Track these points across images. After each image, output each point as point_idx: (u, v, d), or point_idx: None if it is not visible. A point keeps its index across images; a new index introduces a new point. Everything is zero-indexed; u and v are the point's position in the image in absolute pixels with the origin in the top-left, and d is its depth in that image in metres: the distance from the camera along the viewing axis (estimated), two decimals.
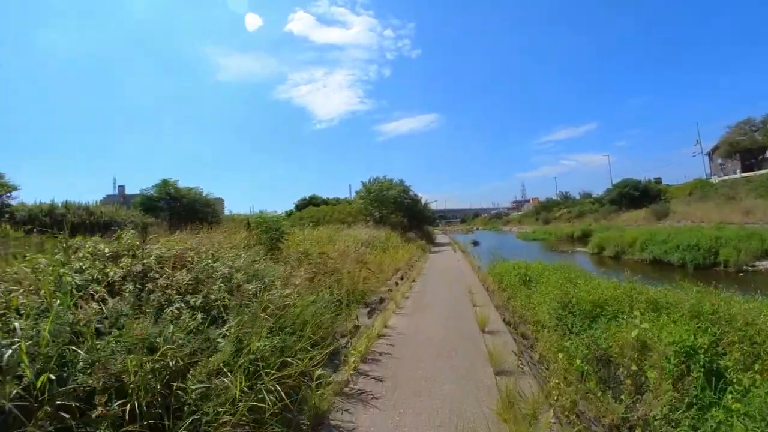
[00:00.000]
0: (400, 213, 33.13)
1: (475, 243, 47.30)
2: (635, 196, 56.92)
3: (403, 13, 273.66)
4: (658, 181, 70.15)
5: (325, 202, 54.78)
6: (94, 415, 2.95)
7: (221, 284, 5.64)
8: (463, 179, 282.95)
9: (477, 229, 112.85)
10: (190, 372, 3.72)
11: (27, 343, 2.99)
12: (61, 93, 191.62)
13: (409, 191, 38.09)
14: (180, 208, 30.66)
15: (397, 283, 12.99)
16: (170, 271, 6.20)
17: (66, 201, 24.51)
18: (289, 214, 51.33)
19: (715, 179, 58.10)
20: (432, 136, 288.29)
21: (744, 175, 51.99)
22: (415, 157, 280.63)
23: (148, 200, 30.98)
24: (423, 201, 43.08)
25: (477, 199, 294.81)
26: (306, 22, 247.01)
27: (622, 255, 27.77)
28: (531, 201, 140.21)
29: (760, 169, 54.55)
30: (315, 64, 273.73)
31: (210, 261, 6.78)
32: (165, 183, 31.92)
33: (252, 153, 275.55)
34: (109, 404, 3.04)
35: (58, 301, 3.72)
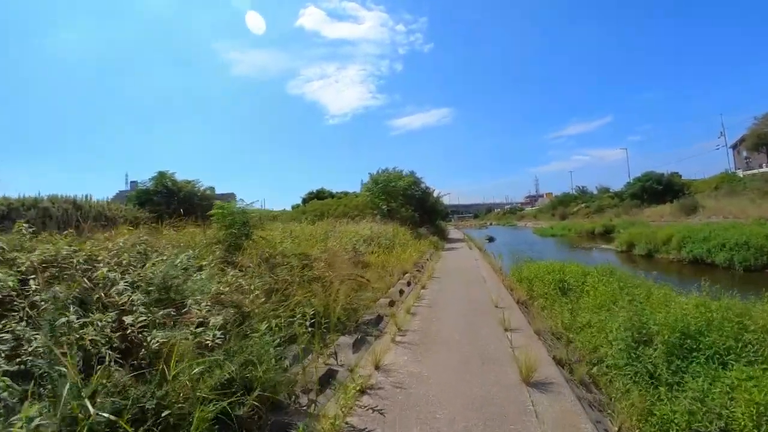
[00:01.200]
0: (410, 206, 30.54)
1: (491, 239, 44.80)
2: (658, 190, 54.05)
3: (415, 8, 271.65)
4: (677, 175, 66.90)
5: (332, 195, 52.38)
6: None
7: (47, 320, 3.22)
8: (475, 174, 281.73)
9: (490, 224, 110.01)
10: None
11: None
12: (74, 91, 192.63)
13: (421, 183, 35.42)
14: (176, 202, 28.93)
15: (402, 291, 10.48)
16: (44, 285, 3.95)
17: (52, 194, 22.76)
18: (296, 207, 49.15)
19: (740, 173, 55.19)
20: (444, 130, 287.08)
21: None
22: (428, 152, 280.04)
23: (144, 194, 29.13)
24: (435, 194, 40.38)
25: (489, 193, 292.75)
26: (317, 17, 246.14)
27: (655, 253, 25.02)
28: (545, 196, 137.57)
29: None
30: (327, 60, 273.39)
31: (114, 270, 4.43)
32: (162, 175, 30.00)
33: (265, 148, 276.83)
34: None
35: None
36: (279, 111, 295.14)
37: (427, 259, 17.52)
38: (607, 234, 43.13)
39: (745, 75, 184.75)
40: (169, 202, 27.37)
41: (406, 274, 12.51)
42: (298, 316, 5.21)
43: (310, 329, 5.13)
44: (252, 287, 5.25)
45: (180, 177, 31.13)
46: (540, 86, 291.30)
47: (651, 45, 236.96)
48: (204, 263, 5.82)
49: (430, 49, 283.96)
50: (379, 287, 10.12)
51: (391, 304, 8.78)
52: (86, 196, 26.49)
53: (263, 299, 5.27)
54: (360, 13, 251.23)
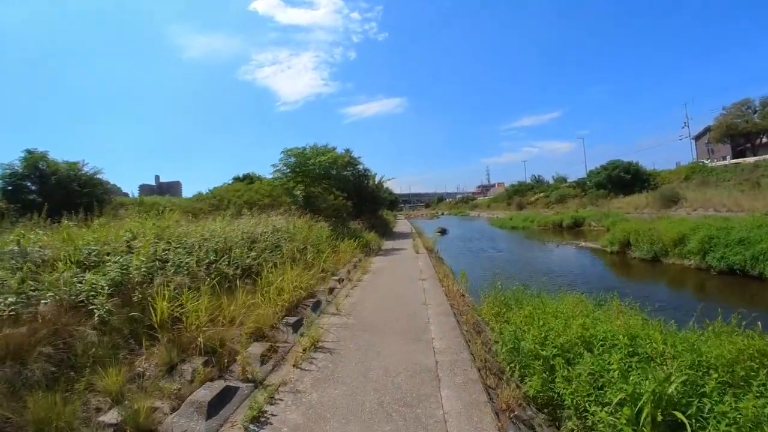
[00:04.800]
0: (341, 193, 22.97)
1: (443, 231, 38.44)
2: (626, 179, 48.91)
3: None
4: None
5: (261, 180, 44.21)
6: None
7: None
8: (427, 163, 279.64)
9: (442, 213, 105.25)
10: None
11: None
12: (17, 72, 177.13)
13: (357, 164, 27.86)
14: (52, 189, 22.02)
15: None
16: None
17: None
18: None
19: (707, 164, 51.41)
20: (397, 120, 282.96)
21: (739, 160, 45.22)
22: (380, 141, 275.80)
23: (12, 178, 22.18)
24: (377, 178, 32.71)
25: (441, 183, 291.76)
26: (271, 1, 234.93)
27: (663, 257, 18.58)
28: (497, 185, 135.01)
29: (754, 155, 48.36)
30: (279, 45, 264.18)
31: None
32: (32, 155, 22.77)
33: (215, 135, 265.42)
34: None
35: None
36: (230, 96, 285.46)
37: (339, 282, 10.03)
38: (576, 227, 37.37)
39: (699, 68, 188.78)
40: (42, 189, 22.15)
41: (239, 356, 4.91)
42: None
43: None
44: None
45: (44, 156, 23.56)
46: (494, 78, 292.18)
47: (605, 39, 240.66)
48: None
49: (385, 38, 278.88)
50: None
51: None
52: None
53: None
54: None
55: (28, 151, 22.76)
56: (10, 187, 21.59)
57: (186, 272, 6.66)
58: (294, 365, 4.91)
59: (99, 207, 13.19)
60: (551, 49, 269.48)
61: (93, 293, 5.24)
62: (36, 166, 22.41)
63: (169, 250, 7.08)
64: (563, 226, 38.95)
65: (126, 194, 65.37)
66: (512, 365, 5.10)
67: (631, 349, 4.45)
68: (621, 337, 4.58)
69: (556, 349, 4.79)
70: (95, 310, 4.99)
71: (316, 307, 7.62)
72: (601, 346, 4.61)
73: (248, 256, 8.31)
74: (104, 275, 5.64)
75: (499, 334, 6.15)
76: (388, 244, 21.67)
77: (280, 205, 20.46)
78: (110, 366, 4.35)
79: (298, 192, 20.05)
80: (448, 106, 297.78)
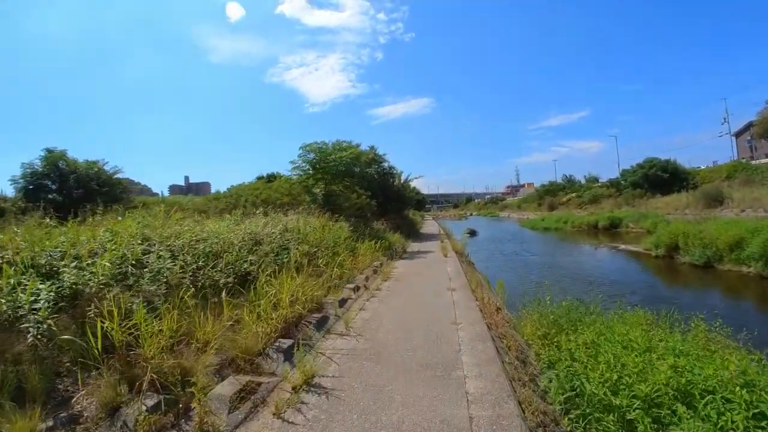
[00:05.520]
0: (364, 191, 21.74)
1: (472, 233, 36.97)
2: (663, 178, 46.35)
3: None
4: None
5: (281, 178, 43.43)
6: None
7: None
8: (455, 164, 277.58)
9: (471, 214, 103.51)
10: None
11: None
12: (51, 77, 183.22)
13: (382, 161, 26.62)
14: (71, 188, 21.83)
15: None
16: None
17: None
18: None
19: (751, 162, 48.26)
20: (425, 120, 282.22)
21: None
22: (408, 142, 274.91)
23: (33, 177, 21.90)
24: (403, 177, 31.19)
25: (470, 183, 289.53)
26: (297, 3, 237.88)
27: (717, 263, 16.76)
28: (526, 186, 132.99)
29: None
30: (307, 48, 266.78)
31: None
32: (51, 154, 22.37)
33: (244, 137, 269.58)
34: None
35: None
36: (259, 99, 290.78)
37: (354, 290, 8.70)
38: (613, 228, 35.45)
39: (737, 61, 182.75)
40: (62, 188, 22.10)
41: (194, 402, 3.58)
42: None
43: None
44: None
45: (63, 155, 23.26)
46: (522, 77, 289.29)
47: (633, 36, 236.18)
48: None
49: (411, 38, 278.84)
50: None
51: None
52: None
53: None
54: (341, 0, 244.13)
55: (48, 150, 22.44)
56: (31, 186, 21.36)
57: (165, 280, 5.52)
58: (275, 413, 3.63)
59: (104, 205, 12.42)
60: (579, 47, 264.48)
61: (35, 308, 4.18)
62: (56, 165, 22.19)
63: (151, 252, 5.97)
64: (598, 228, 37.20)
65: (156, 194, 66.07)
66: (572, 418, 3.76)
67: (755, 410, 3.06)
68: (738, 389, 3.19)
69: (637, 400, 3.43)
70: (30, 329, 3.94)
71: (322, 324, 6.35)
72: (706, 400, 3.25)
73: (246, 261, 7.13)
74: (52, 284, 4.56)
75: (548, 367, 4.81)
76: (414, 246, 20.33)
77: (299, 204, 19.37)
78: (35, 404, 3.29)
79: (318, 190, 18.91)
80: (476, 105, 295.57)
